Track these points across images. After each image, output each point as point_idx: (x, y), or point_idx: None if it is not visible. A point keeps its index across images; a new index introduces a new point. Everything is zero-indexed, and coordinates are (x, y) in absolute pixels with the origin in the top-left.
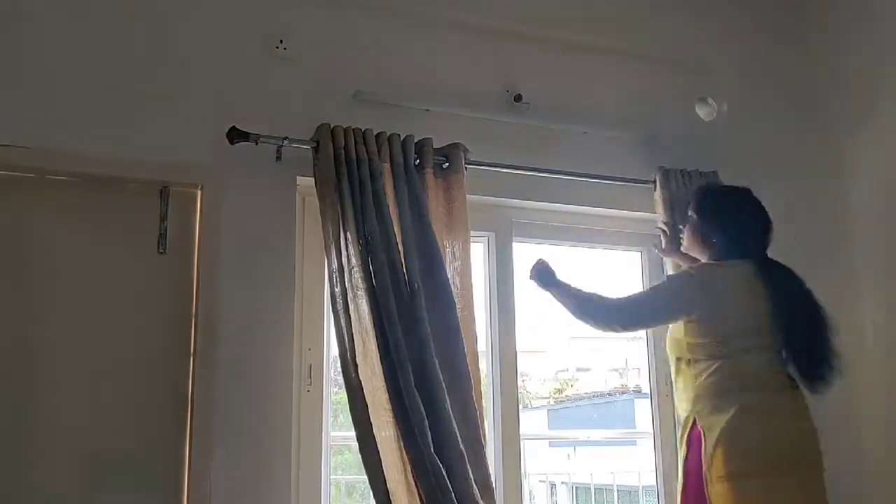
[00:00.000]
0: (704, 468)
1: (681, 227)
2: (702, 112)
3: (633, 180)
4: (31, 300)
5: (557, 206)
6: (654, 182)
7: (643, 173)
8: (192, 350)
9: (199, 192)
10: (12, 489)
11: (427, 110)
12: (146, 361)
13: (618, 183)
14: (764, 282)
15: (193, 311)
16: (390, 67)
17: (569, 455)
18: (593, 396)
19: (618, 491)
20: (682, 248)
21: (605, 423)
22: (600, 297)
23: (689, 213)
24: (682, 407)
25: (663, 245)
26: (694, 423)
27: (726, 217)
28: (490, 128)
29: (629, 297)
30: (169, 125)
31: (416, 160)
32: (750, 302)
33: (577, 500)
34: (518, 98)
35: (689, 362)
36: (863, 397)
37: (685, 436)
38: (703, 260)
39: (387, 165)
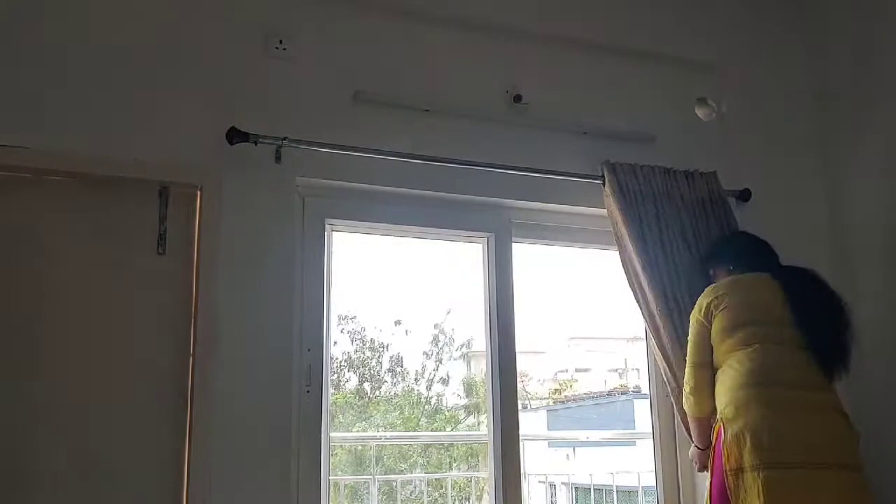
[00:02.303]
0: (723, 461)
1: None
2: (701, 112)
3: None
4: (30, 300)
5: (557, 206)
6: (602, 177)
7: None
8: (191, 350)
9: (198, 193)
10: (12, 488)
11: (427, 110)
12: (146, 361)
13: None
14: (782, 285)
15: (193, 311)
16: (390, 67)
17: (568, 456)
18: (593, 397)
19: (617, 491)
20: None
21: (604, 424)
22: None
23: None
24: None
25: None
26: (719, 419)
27: (726, 246)
28: (490, 128)
29: None
30: (168, 125)
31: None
32: (769, 297)
33: (576, 500)
34: (518, 98)
35: (720, 367)
36: (862, 397)
37: (714, 432)
38: None
39: None
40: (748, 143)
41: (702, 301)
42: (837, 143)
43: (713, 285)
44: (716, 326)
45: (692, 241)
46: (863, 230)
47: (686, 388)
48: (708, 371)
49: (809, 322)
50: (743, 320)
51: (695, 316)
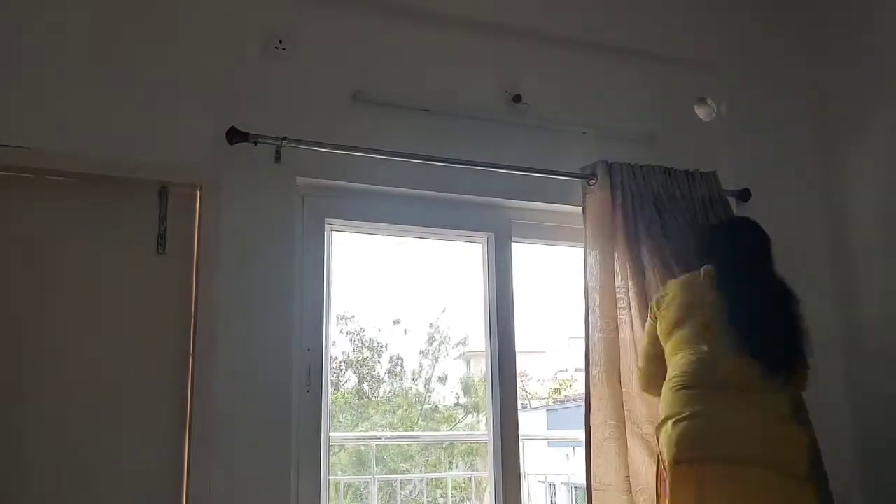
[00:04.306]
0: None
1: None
2: (701, 112)
3: None
4: (30, 300)
5: (557, 206)
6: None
7: None
8: (191, 350)
9: (198, 193)
10: (11, 489)
11: (427, 110)
12: (146, 361)
13: None
14: (716, 283)
15: (193, 311)
16: (390, 67)
17: (568, 455)
18: None
19: None
20: None
21: None
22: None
23: None
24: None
25: None
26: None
27: (707, 240)
28: (490, 128)
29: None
30: (168, 125)
31: None
32: (704, 296)
33: (576, 500)
34: (518, 98)
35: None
36: (863, 396)
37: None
38: None
39: None
40: (748, 143)
41: (654, 302)
42: (837, 143)
43: (666, 283)
44: (659, 327)
45: (693, 241)
46: (863, 230)
47: (638, 374)
48: (655, 364)
49: (741, 322)
50: (677, 321)
51: (649, 312)
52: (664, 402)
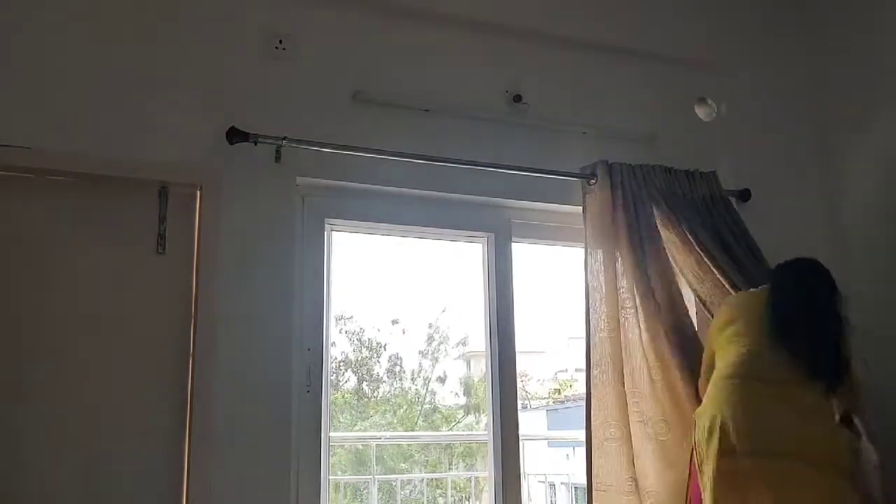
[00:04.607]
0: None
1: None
2: (701, 112)
3: None
4: (30, 300)
5: (557, 206)
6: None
7: None
8: (191, 350)
9: (198, 193)
10: (12, 490)
11: (427, 110)
12: (146, 361)
13: None
14: (774, 293)
15: (193, 311)
16: (390, 67)
17: (568, 455)
18: None
19: None
20: None
21: None
22: None
23: None
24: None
25: None
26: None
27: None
28: (490, 128)
29: None
30: (168, 125)
31: None
32: (755, 301)
33: (576, 500)
34: (518, 98)
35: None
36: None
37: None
38: None
39: None
40: (748, 143)
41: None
42: (837, 144)
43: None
44: (713, 327)
45: (694, 241)
46: (862, 230)
47: (700, 382)
48: (710, 373)
49: (787, 320)
50: (731, 318)
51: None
52: (709, 393)
